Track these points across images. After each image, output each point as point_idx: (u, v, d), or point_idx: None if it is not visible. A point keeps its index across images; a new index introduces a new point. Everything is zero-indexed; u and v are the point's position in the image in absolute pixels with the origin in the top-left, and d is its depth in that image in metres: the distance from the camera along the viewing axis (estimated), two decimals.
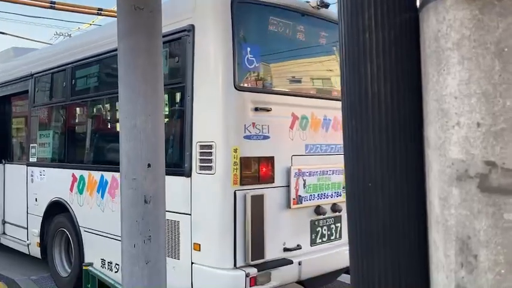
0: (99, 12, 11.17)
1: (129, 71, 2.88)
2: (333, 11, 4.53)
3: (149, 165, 2.88)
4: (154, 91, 2.90)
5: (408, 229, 1.09)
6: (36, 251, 5.76)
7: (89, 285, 3.91)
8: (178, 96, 4.05)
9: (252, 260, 3.52)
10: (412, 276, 1.09)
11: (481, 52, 0.90)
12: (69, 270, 5.33)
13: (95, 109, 5.56)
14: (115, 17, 3.26)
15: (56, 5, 9.44)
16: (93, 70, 5.18)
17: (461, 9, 0.92)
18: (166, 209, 3.49)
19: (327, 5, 4.24)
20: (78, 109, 5.72)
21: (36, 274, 6.00)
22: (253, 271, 3.47)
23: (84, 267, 3.92)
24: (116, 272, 4.49)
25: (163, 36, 3.52)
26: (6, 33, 12.41)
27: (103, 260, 4.68)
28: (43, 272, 6.09)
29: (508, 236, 0.86)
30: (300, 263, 3.79)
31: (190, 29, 3.72)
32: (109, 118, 5.38)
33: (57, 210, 5.40)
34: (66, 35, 22.27)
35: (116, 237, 4.19)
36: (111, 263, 4.59)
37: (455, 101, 0.94)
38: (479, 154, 0.90)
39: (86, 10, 11.02)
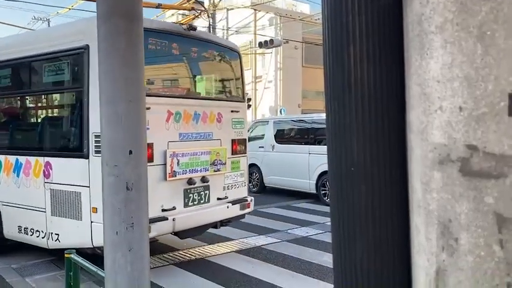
0: None
1: (109, 55, 2.82)
2: (201, 31, 6.26)
3: (131, 152, 2.84)
4: (135, 76, 2.85)
5: (390, 213, 1.09)
6: None
7: (71, 273, 3.87)
8: (78, 98, 5.31)
9: None
10: (394, 260, 1.10)
11: (463, 36, 0.89)
12: None
13: (8, 104, 6.72)
14: (94, 0, 3.20)
15: None
16: (6, 72, 6.29)
17: None
18: (71, 183, 5.31)
19: (194, 28, 5.78)
20: None
21: (17, 263, 5.94)
22: None
23: (66, 256, 3.88)
24: (31, 235, 5.68)
25: (66, 51, 5.35)
26: None
27: (20, 227, 5.81)
28: (25, 260, 6.04)
29: (488, 219, 0.87)
30: (174, 219, 5.25)
31: (86, 47, 5.04)
32: (21, 112, 6.50)
33: None
34: (45, 19, 21.78)
35: (30, 208, 5.68)
36: (26, 228, 5.73)
37: (437, 85, 0.94)
38: (461, 138, 0.90)
39: None
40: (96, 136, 4.86)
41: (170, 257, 6.29)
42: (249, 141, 12.75)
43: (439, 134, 0.93)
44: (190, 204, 5.61)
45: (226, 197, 6.13)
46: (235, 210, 6.23)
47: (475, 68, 0.88)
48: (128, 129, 2.82)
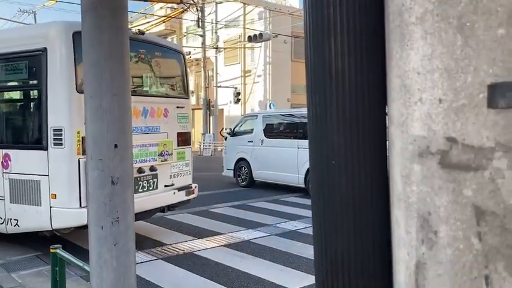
0: None
1: (93, 48, 2.78)
2: (149, 34, 7.08)
3: (116, 146, 2.81)
4: (120, 69, 2.81)
5: (371, 206, 1.09)
6: None
7: (57, 268, 3.84)
8: (37, 95, 5.80)
9: None
10: (375, 252, 1.10)
11: (443, 27, 0.88)
12: None
13: None
14: None
15: None
16: None
17: None
18: (31, 173, 5.76)
19: (143, 33, 6.53)
20: None
21: (3, 258, 5.88)
22: None
23: (51, 251, 3.84)
24: None
25: (27, 52, 5.79)
26: None
27: None
28: (10, 256, 5.98)
29: (467, 211, 0.86)
30: None
31: (44, 50, 5.55)
32: None
33: None
34: (31, 12, 21.50)
35: None
36: None
37: (418, 77, 0.93)
38: (441, 130, 0.89)
39: None
40: (55, 130, 5.50)
41: (158, 252, 6.27)
42: (238, 135, 12.90)
43: (419, 126, 0.92)
44: (140, 190, 6.24)
45: (172, 184, 6.77)
46: (181, 196, 6.88)
47: (455, 59, 0.87)
48: (112, 123, 2.79)
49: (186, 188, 7.03)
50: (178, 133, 6.92)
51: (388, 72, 1.03)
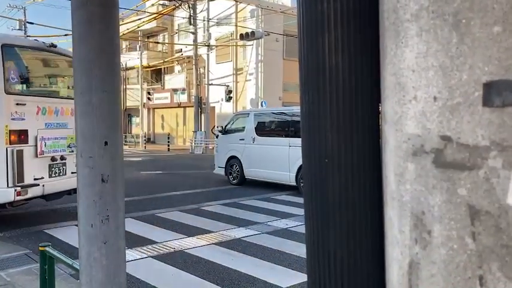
0: None
1: (83, 44, 2.74)
2: (59, 48, 8.35)
3: (106, 143, 2.78)
4: (110, 65, 2.78)
5: (364, 206, 1.07)
6: None
7: (46, 266, 3.80)
8: None
9: (17, 183, 6.95)
10: (368, 250, 1.09)
11: (439, 24, 0.87)
12: None
13: None
14: None
15: None
16: None
17: None
18: None
19: (55, 46, 8.12)
20: None
21: None
22: (18, 188, 6.91)
23: (40, 249, 3.80)
24: None
25: None
26: None
27: None
28: None
29: (461, 211, 0.85)
30: (43, 186, 7.39)
31: None
32: None
33: None
34: (21, 8, 21.27)
35: None
36: None
37: (412, 75, 0.92)
38: (435, 129, 0.88)
39: None
40: None
41: (148, 250, 6.23)
42: (229, 133, 12.88)
43: (413, 125, 0.91)
44: (53, 175, 7.70)
45: None
46: None
47: (450, 56, 0.86)
48: (103, 120, 2.75)
49: None
50: None
51: (383, 69, 1.02)
